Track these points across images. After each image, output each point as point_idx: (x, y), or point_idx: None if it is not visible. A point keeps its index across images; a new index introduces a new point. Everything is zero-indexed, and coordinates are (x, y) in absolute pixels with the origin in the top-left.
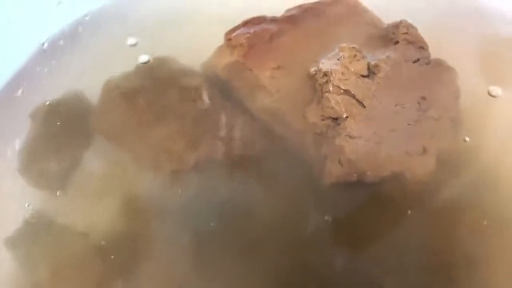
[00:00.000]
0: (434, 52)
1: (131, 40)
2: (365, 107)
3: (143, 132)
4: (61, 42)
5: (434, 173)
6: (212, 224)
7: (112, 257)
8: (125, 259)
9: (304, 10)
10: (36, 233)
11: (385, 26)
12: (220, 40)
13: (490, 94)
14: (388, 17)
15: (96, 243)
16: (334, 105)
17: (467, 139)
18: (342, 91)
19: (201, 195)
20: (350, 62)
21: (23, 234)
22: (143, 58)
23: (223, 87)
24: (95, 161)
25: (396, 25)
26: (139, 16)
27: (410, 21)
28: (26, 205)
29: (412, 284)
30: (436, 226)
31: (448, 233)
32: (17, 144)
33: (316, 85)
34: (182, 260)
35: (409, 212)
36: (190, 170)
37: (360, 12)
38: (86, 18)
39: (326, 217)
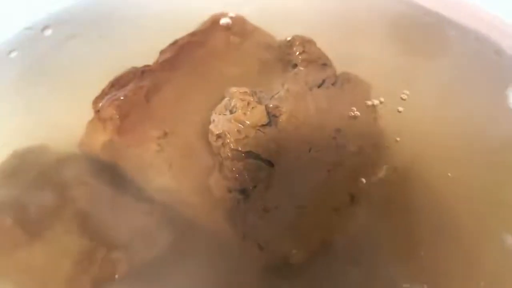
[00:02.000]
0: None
1: None
2: (273, 165)
3: (20, 257)
4: None
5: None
6: None
7: None
8: None
9: (180, 49)
10: None
11: (278, 44)
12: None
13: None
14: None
15: None
16: (236, 174)
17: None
18: (242, 154)
19: None
20: (245, 114)
21: None
22: None
23: (110, 171)
24: None
25: (290, 43)
26: None
27: (304, 30)
28: None
29: None
30: None
31: None
32: None
33: (213, 149)
34: None
35: None
36: None
37: (248, 33)
38: None
39: None
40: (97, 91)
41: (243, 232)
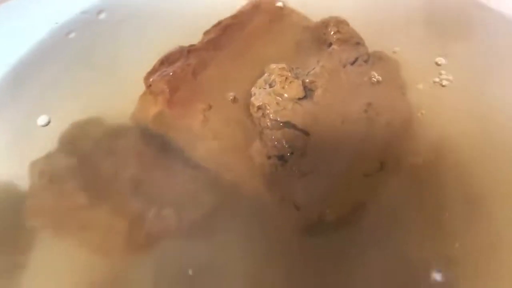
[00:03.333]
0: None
1: (42, 118)
2: (309, 135)
3: (82, 217)
4: None
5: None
6: None
7: None
8: None
9: (223, 29)
10: None
11: (314, 25)
12: (142, 84)
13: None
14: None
15: None
16: (275, 142)
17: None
18: (281, 124)
19: (162, 274)
20: (283, 87)
21: None
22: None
23: (159, 140)
24: (39, 259)
25: (325, 24)
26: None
27: (339, 14)
28: None
29: None
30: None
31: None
32: None
33: (254, 120)
34: None
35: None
36: (141, 250)
37: (286, 15)
38: None
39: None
40: (147, 69)
41: (280, 195)
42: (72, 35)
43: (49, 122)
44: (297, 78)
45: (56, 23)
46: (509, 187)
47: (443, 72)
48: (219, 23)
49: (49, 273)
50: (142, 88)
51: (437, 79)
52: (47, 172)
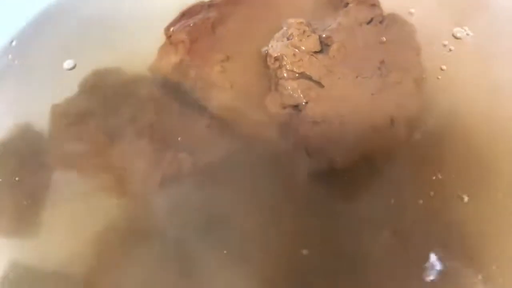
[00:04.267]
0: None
1: (68, 62)
2: (324, 86)
3: (101, 156)
4: None
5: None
6: (191, 239)
7: None
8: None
9: None
10: (20, 282)
11: None
12: (161, 37)
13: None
14: None
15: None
16: (291, 92)
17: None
18: (296, 75)
19: (173, 213)
20: (300, 40)
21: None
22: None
23: (176, 89)
24: (59, 197)
25: None
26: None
27: None
28: (3, 255)
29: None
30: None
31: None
32: None
33: (270, 71)
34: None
35: (392, 201)
36: (157, 190)
37: None
38: (13, 44)
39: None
40: (165, 23)
41: (293, 142)
42: None
43: (74, 66)
44: (314, 32)
45: None
46: None
47: (459, 35)
48: None
49: (65, 211)
50: (161, 41)
51: (452, 44)
52: (68, 114)
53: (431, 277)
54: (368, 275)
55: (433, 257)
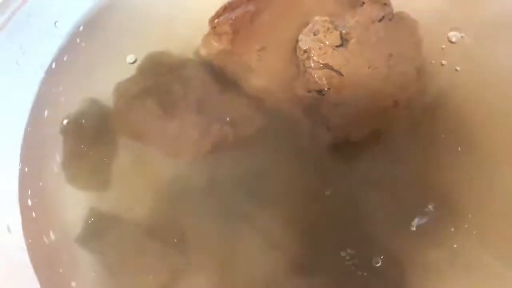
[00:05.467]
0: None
1: (131, 57)
2: (343, 75)
3: (159, 127)
4: (65, 57)
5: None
6: (236, 194)
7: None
8: (174, 236)
9: None
10: (98, 228)
11: None
12: (204, 25)
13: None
14: None
15: (149, 229)
16: (317, 79)
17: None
18: (321, 65)
19: (221, 172)
20: (325, 36)
21: (88, 231)
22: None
23: (219, 72)
24: (125, 159)
25: None
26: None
27: None
28: (81, 207)
29: None
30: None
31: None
32: (58, 158)
33: (299, 61)
34: (217, 227)
35: (391, 165)
36: (207, 154)
37: None
38: (81, 29)
39: (325, 183)
40: (208, 14)
41: (315, 120)
42: None
43: (135, 61)
44: (335, 29)
45: None
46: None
47: (457, 33)
48: None
49: (129, 172)
50: (205, 29)
51: (452, 39)
52: (129, 92)
53: (415, 227)
54: (367, 223)
55: (419, 210)
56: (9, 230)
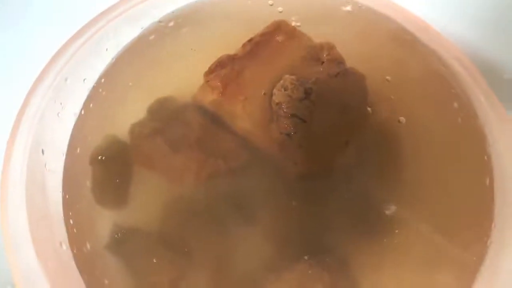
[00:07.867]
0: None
1: (142, 103)
2: (306, 121)
3: (166, 160)
4: (91, 105)
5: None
6: (228, 210)
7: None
8: (180, 242)
9: (256, 44)
10: (121, 239)
11: (314, 45)
12: (200, 76)
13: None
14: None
15: (159, 237)
16: (286, 125)
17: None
18: (289, 115)
19: (216, 194)
20: (292, 91)
21: (113, 241)
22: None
23: (212, 115)
24: (140, 184)
25: (321, 48)
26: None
27: (332, 38)
28: (107, 222)
29: None
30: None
31: None
32: (88, 184)
33: (273, 110)
34: (213, 233)
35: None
36: (204, 181)
37: (297, 36)
38: (102, 81)
39: (293, 202)
40: (205, 65)
41: (286, 155)
42: (152, 37)
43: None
44: (301, 85)
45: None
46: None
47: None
48: (251, 39)
49: (143, 194)
50: (201, 79)
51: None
52: (142, 131)
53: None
54: (342, 212)
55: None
56: (61, 245)
